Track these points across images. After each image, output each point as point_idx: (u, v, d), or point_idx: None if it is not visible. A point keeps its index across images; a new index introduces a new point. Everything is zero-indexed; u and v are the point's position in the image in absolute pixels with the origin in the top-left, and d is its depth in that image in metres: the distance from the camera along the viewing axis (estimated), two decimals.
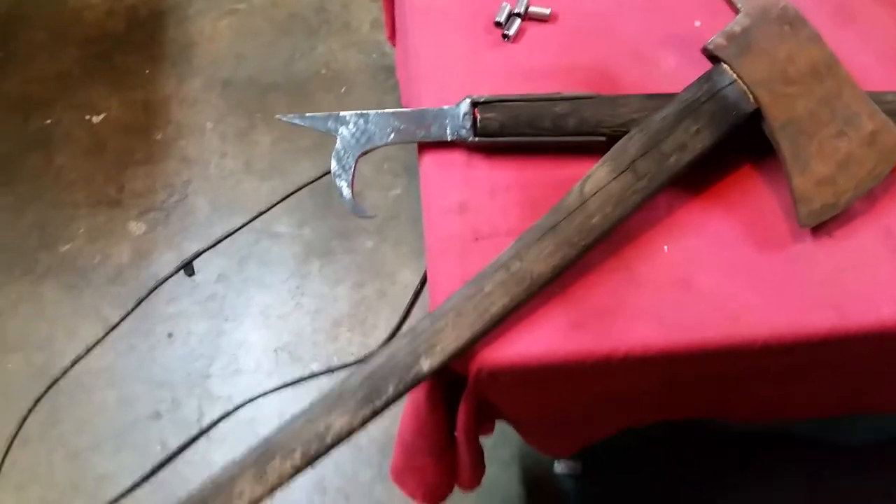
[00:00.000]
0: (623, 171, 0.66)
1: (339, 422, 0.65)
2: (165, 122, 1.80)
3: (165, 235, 1.67)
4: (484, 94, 0.76)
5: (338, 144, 0.75)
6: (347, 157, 0.75)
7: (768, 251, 0.69)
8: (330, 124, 0.75)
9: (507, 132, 0.72)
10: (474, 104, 0.73)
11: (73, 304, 1.60)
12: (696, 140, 0.67)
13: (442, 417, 0.73)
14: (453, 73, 0.80)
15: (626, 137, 0.68)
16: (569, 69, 0.79)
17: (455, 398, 0.72)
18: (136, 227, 1.68)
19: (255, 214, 1.71)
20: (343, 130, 0.75)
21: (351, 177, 0.75)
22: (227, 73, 1.88)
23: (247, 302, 1.58)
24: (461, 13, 0.84)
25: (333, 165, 0.75)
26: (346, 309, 1.56)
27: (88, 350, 1.60)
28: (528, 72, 0.79)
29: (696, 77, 0.75)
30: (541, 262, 0.66)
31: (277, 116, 0.77)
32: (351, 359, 1.52)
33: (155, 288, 1.67)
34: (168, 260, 1.64)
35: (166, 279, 1.67)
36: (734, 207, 0.71)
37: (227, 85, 1.86)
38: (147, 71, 1.88)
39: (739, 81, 0.67)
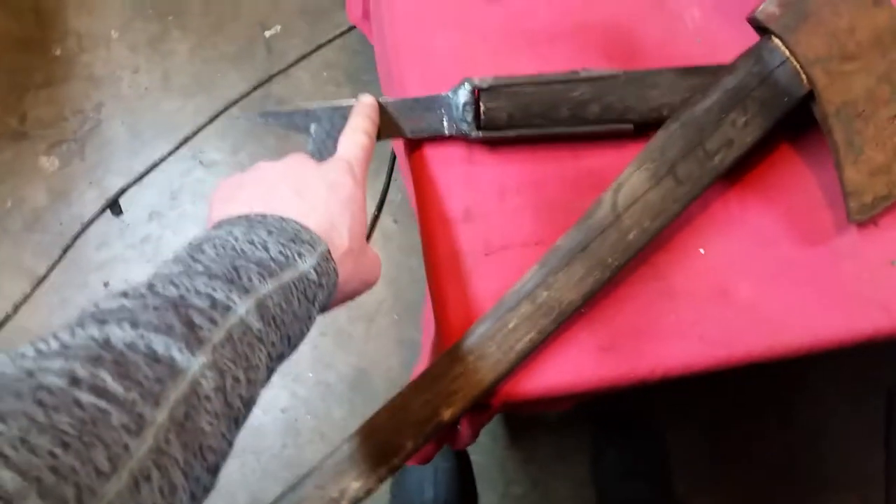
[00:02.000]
0: (663, 177, 0.57)
1: (353, 486, 0.57)
2: (63, 32, 1.55)
3: (83, 170, 1.48)
4: (480, 65, 0.64)
5: (310, 146, 0.62)
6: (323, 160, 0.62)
7: (811, 247, 0.62)
8: (297, 120, 0.62)
9: (517, 124, 0.61)
10: (475, 90, 0.60)
11: None
12: (744, 134, 0.57)
13: None
14: (441, 40, 0.66)
15: (662, 133, 0.57)
16: (580, 28, 0.66)
17: None
18: (49, 163, 1.48)
19: (181, 140, 1.53)
20: (315, 128, 0.61)
21: None
22: None
23: (186, 241, 1.44)
24: None
25: None
26: None
27: (17, 308, 1.45)
28: (532, 35, 0.66)
29: (726, 33, 0.65)
30: (570, 289, 0.57)
31: (234, 116, 0.63)
32: None
33: (81, 232, 1.51)
34: (90, 198, 1.47)
35: (91, 221, 1.51)
36: (773, 197, 0.63)
37: None
38: None
39: (792, 60, 0.56)
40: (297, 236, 0.44)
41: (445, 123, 0.61)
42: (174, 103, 1.52)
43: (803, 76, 0.57)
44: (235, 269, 0.40)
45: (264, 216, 0.45)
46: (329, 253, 0.46)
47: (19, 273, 1.42)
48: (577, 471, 1.30)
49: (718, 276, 0.61)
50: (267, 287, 0.41)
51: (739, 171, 0.63)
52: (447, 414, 0.57)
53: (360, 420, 0.59)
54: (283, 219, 0.45)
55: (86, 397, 0.30)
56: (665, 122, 0.58)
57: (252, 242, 0.42)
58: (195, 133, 1.49)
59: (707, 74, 0.60)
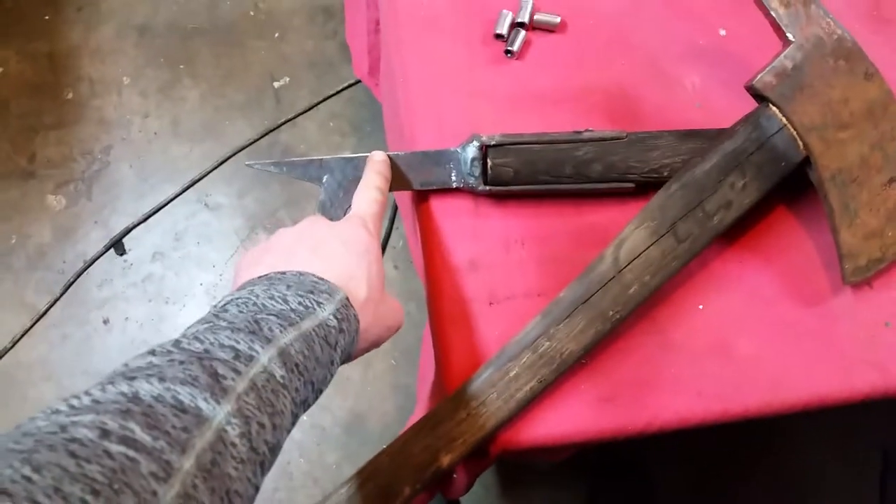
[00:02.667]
0: (663, 235, 0.58)
1: None
2: (75, 77, 1.59)
3: (89, 209, 1.51)
4: (488, 124, 0.66)
5: (322, 196, 0.64)
6: (335, 210, 0.64)
7: (808, 307, 0.64)
8: (312, 172, 0.64)
9: (523, 180, 0.63)
10: (483, 146, 0.63)
11: None
12: (742, 196, 0.59)
13: None
14: (452, 99, 0.68)
15: (663, 193, 0.59)
16: (584, 91, 0.69)
17: None
18: (56, 202, 1.51)
19: (188, 183, 1.56)
20: (327, 179, 0.63)
21: None
22: (142, 18, 1.67)
23: (189, 282, 1.45)
24: (456, 23, 0.71)
25: None
26: None
27: (15, 342, 1.46)
28: (537, 95, 0.68)
29: (722, 96, 0.68)
30: (571, 340, 0.58)
31: (247, 163, 0.65)
32: None
33: (84, 269, 1.52)
34: (95, 238, 1.49)
35: (95, 259, 1.52)
36: (771, 257, 0.65)
37: (143, 32, 1.65)
38: (47, 17, 1.64)
39: (789, 127, 0.59)
40: (315, 287, 0.47)
41: (454, 177, 0.64)
42: (182, 148, 1.55)
43: (800, 142, 0.59)
44: (257, 321, 0.42)
45: (283, 273, 0.48)
46: (348, 300, 0.48)
47: (21, 308, 1.43)
48: None
49: (717, 333, 0.63)
50: (288, 336, 0.42)
51: (738, 231, 0.65)
52: (447, 460, 0.58)
53: (353, 465, 0.60)
54: (301, 273, 0.48)
55: (115, 448, 0.31)
56: (666, 183, 0.60)
57: (272, 297, 0.45)
58: (202, 176, 1.51)
59: (706, 138, 0.63)
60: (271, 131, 1.55)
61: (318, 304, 0.46)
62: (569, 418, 0.61)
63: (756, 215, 0.65)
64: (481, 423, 0.58)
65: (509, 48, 0.69)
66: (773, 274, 0.65)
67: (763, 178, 0.59)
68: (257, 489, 0.39)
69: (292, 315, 0.44)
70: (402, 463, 0.58)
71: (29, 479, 0.28)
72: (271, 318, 0.43)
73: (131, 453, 0.32)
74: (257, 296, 0.45)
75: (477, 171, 0.63)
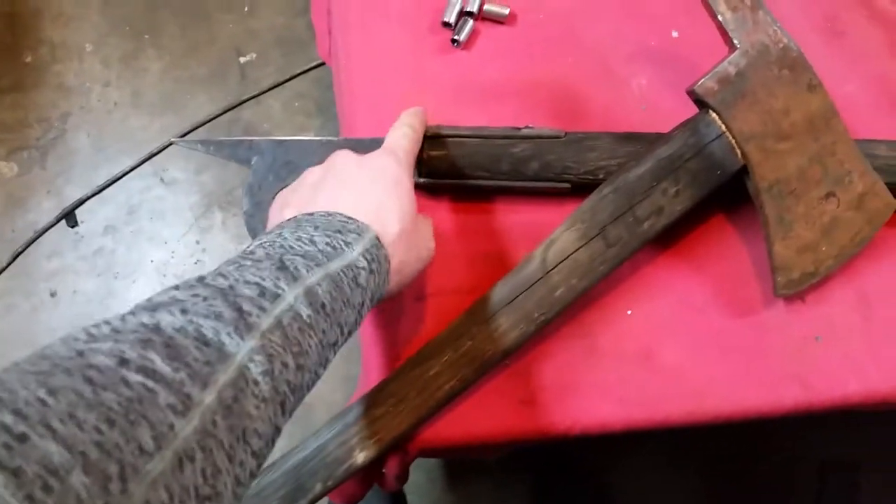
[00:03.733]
0: (592, 238, 0.57)
1: None
2: (36, 41, 1.55)
3: (42, 178, 1.47)
4: (428, 112, 0.64)
5: (250, 178, 0.62)
6: (263, 193, 0.62)
7: (738, 317, 0.63)
8: (240, 153, 0.62)
9: (458, 174, 0.61)
10: None
11: None
12: (674, 203, 0.58)
13: None
14: (393, 87, 0.67)
15: (595, 195, 0.58)
16: (529, 86, 0.67)
17: None
18: (7, 168, 1.47)
19: (145, 156, 1.53)
20: (257, 161, 0.62)
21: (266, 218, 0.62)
22: None
23: (139, 258, 1.43)
24: (404, 9, 0.70)
25: (246, 204, 0.62)
26: None
27: None
28: (482, 88, 0.67)
29: (668, 99, 0.67)
30: (494, 340, 0.57)
31: (172, 140, 0.63)
32: None
33: (33, 240, 1.49)
34: (47, 207, 1.46)
35: (46, 230, 1.49)
36: (703, 265, 0.64)
37: None
38: None
39: (728, 135, 0.58)
40: (343, 227, 0.46)
41: None
42: (141, 120, 1.51)
43: (738, 151, 0.58)
44: (282, 261, 0.41)
45: (311, 214, 0.47)
46: (378, 239, 0.47)
47: None
48: None
49: (643, 339, 0.62)
50: (315, 276, 0.42)
51: (672, 237, 0.64)
52: (361, 457, 0.57)
53: None
54: (328, 213, 0.47)
55: (133, 377, 0.31)
56: (600, 185, 0.58)
57: (299, 239, 0.44)
58: (159, 151, 1.48)
59: (645, 142, 0.61)
60: (234, 107, 1.52)
61: (347, 244, 0.45)
62: (489, 419, 0.60)
63: (691, 222, 0.64)
64: (398, 422, 0.57)
65: (456, 37, 0.67)
66: (704, 282, 0.64)
67: (698, 185, 0.58)
68: (278, 430, 0.38)
69: (319, 256, 0.43)
70: (318, 461, 0.57)
71: (44, 402, 0.27)
72: (297, 258, 0.42)
73: (150, 383, 0.31)
74: (285, 238, 0.44)
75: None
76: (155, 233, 1.44)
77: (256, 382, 0.36)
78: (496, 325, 0.57)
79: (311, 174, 0.53)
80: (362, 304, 0.46)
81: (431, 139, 0.61)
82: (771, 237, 0.60)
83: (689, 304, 0.63)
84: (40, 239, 1.43)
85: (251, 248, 0.44)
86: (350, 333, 0.46)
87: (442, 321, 0.59)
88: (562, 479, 1.29)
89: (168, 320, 0.35)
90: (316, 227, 0.45)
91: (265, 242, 0.44)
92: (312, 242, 0.44)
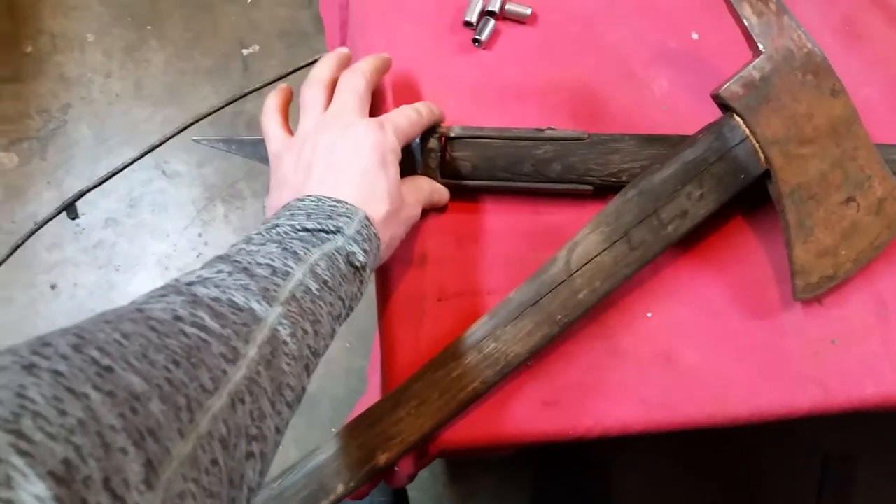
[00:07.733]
0: (616, 241, 0.57)
1: None
2: (36, 30, 1.53)
3: (43, 169, 1.46)
4: (448, 112, 0.64)
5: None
6: None
7: (757, 320, 0.63)
8: (262, 151, 0.61)
9: (480, 175, 0.61)
10: (443, 137, 0.61)
11: None
12: (698, 206, 0.58)
13: None
14: (413, 84, 0.66)
15: (620, 198, 0.58)
16: (550, 88, 0.67)
17: None
18: (7, 159, 1.46)
19: (147, 148, 1.51)
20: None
21: None
22: None
23: (141, 251, 1.42)
24: (425, 7, 0.69)
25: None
26: None
27: None
28: (502, 88, 0.67)
29: (691, 105, 0.67)
30: (518, 342, 0.57)
31: (193, 139, 0.62)
32: None
33: (33, 231, 1.47)
34: (47, 199, 1.44)
35: (46, 221, 1.47)
36: (723, 268, 0.64)
37: None
38: None
39: (752, 139, 0.58)
40: (333, 211, 0.49)
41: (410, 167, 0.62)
42: (144, 112, 1.50)
43: (761, 155, 0.58)
44: (284, 245, 0.45)
45: (302, 200, 0.50)
46: (368, 219, 0.50)
47: None
48: None
49: (664, 341, 0.62)
50: (313, 256, 0.46)
51: (693, 240, 0.64)
52: (383, 459, 0.57)
53: (301, 447, 0.59)
54: (318, 199, 0.50)
55: (189, 329, 0.35)
56: (623, 188, 0.58)
57: (293, 227, 0.47)
58: (162, 142, 1.47)
59: (668, 144, 0.61)
60: (237, 99, 1.50)
61: (337, 228, 0.48)
62: (510, 420, 0.60)
63: (712, 225, 0.64)
64: (420, 423, 0.57)
65: (477, 37, 0.67)
66: (724, 285, 0.64)
67: (721, 189, 0.58)
68: (304, 389, 0.43)
69: (314, 239, 0.47)
70: (340, 463, 0.57)
71: (120, 343, 0.31)
72: (295, 242, 0.46)
73: (203, 335, 0.35)
74: (279, 226, 0.47)
75: (434, 163, 0.61)
76: (156, 225, 1.43)
77: (286, 343, 0.40)
78: (520, 326, 0.57)
79: (305, 152, 0.55)
80: (361, 282, 0.50)
81: (454, 140, 0.61)
82: (791, 241, 0.60)
83: (708, 307, 0.63)
84: (40, 231, 1.40)
85: (251, 235, 0.47)
86: (352, 308, 0.51)
87: (463, 322, 0.59)
88: (564, 473, 1.30)
89: (203, 292, 0.39)
90: (308, 216, 0.48)
91: (262, 230, 0.48)
92: (305, 230, 0.47)
